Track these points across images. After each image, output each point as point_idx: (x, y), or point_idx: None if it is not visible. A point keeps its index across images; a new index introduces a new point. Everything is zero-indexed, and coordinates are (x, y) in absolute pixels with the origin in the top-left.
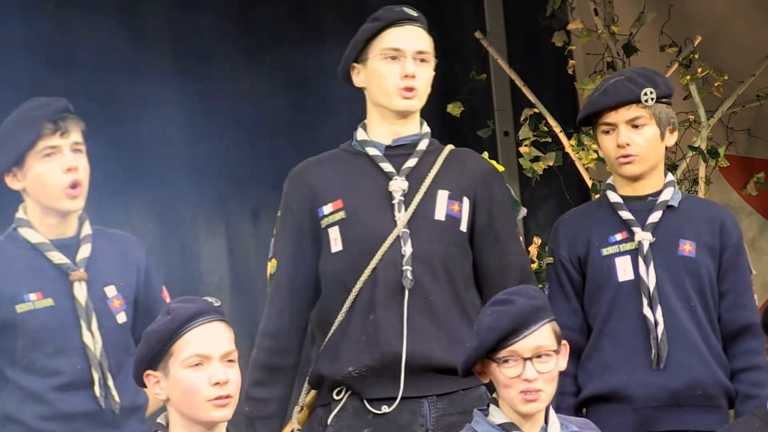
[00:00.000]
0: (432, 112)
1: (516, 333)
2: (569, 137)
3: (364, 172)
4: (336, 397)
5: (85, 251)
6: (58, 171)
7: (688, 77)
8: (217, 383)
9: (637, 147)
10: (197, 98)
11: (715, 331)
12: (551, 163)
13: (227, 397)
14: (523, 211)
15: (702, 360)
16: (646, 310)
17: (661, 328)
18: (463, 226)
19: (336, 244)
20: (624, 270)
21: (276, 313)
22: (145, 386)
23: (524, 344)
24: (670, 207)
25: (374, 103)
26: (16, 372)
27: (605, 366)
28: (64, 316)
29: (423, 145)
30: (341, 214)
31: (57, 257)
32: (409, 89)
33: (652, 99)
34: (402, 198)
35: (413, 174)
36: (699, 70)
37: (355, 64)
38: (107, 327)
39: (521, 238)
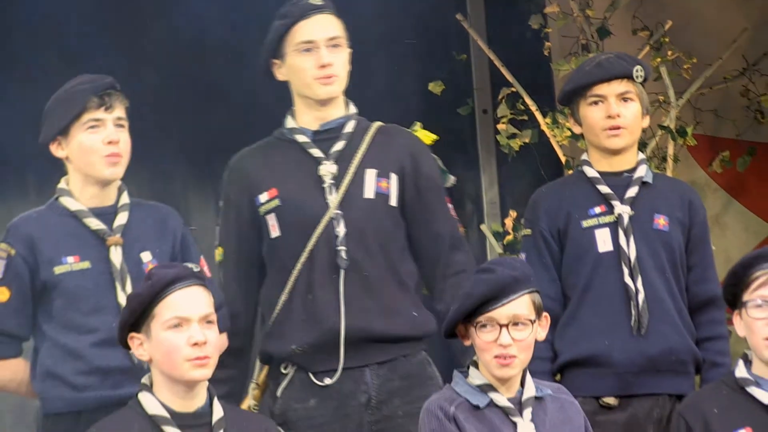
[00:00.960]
0: (414, 90)
1: (494, 300)
2: (544, 115)
3: (295, 158)
4: (283, 372)
5: (122, 218)
6: (99, 142)
7: (659, 60)
8: (195, 344)
9: (625, 120)
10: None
11: (684, 302)
12: (527, 140)
13: (205, 357)
14: (452, 179)
15: (676, 328)
16: (627, 280)
17: (642, 297)
18: (393, 201)
19: (274, 230)
20: (604, 241)
21: (228, 298)
22: (129, 348)
23: (501, 311)
24: (645, 183)
25: (298, 93)
26: (56, 330)
27: (585, 332)
28: (99, 278)
29: (350, 126)
30: (276, 202)
31: (94, 223)
32: (328, 77)
33: (641, 77)
34: (332, 181)
35: (341, 156)
36: (669, 53)
37: (274, 61)
38: None
39: (450, 206)
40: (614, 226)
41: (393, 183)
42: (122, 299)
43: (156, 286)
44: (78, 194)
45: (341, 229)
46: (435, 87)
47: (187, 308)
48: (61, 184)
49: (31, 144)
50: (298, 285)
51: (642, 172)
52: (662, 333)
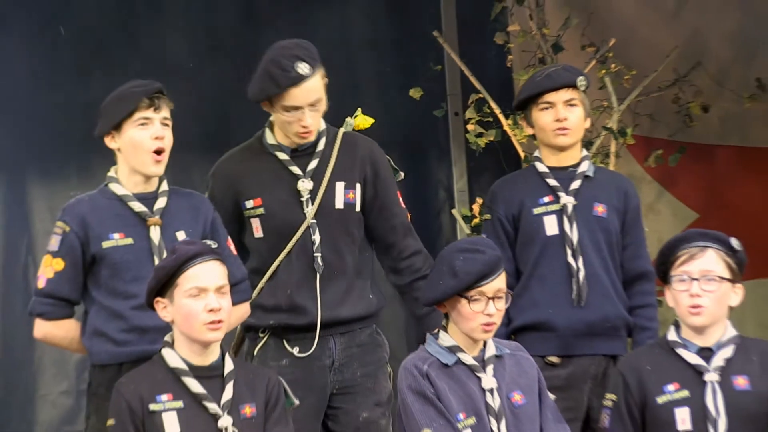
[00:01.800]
0: (397, 95)
1: (485, 277)
2: (507, 118)
3: (276, 172)
4: (261, 335)
5: (161, 203)
6: (148, 138)
7: (604, 71)
8: (211, 310)
9: (570, 122)
10: None
11: (618, 277)
12: (492, 139)
13: (219, 321)
14: (401, 175)
15: (610, 299)
16: (570, 259)
17: (582, 274)
18: (358, 207)
19: (258, 231)
20: (551, 226)
21: None
22: (155, 310)
23: (490, 286)
24: (587, 177)
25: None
26: (102, 295)
27: (534, 302)
28: (140, 253)
29: (321, 144)
30: (261, 210)
31: (137, 206)
32: (307, 132)
33: (584, 85)
34: (309, 195)
35: (315, 173)
36: (612, 65)
37: (265, 102)
38: None
39: (400, 198)
40: (560, 214)
41: (357, 192)
42: None
43: (179, 259)
44: (125, 181)
45: (317, 237)
46: (415, 93)
47: (205, 280)
48: (111, 173)
49: (73, 136)
50: (277, 279)
51: (584, 167)
52: (598, 304)
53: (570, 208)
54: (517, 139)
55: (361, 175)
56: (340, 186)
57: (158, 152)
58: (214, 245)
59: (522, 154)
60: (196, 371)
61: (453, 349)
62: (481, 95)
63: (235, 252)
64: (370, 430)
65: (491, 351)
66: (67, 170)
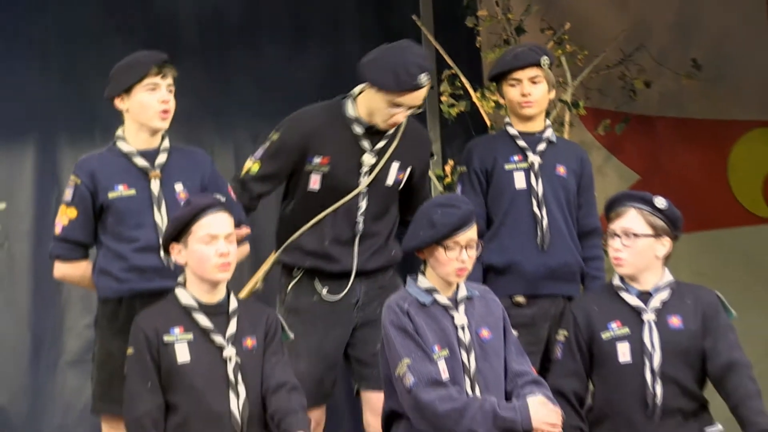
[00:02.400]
0: None
1: (460, 228)
2: (475, 91)
3: (348, 141)
4: (294, 274)
5: (161, 158)
6: (155, 101)
7: (560, 51)
8: (221, 254)
9: (534, 96)
10: None
11: (575, 229)
12: (462, 109)
13: (228, 264)
14: (434, 158)
15: (569, 248)
16: (536, 209)
17: (545, 223)
18: (400, 186)
19: (315, 184)
20: (519, 181)
21: (244, 201)
22: (170, 254)
23: (464, 236)
24: (550, 142)
25: (368, 108)
26: (108, 239)
27: (504, 247)
28: (142, 202)
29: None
30: (326, 168)
31: (140, 162)
32: (394, 124)
33: (546, 63)
34: (368, 168)
35: (380, 151)
36: (567, 47)
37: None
38: (173, 210)
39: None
40: (528, 171)
41: (406, 174)
42: (158, 218)
43: (193, 210)
44: (131, 139)
45: (363, 204)
46: None
47: (216, 228)
48: (118, 132)
49: (95, 104)
50: (320, 228)
51: (548, 133)
52: (559, 250)
53: (536, 166)
54: (484, 110)
55: (413, 161)
56: (395, 166)
57: (164, 112)
58: (222, 199)
59: (488, 122)
60: (205, 308)
61: (430, 291)
62: (453, 71)
63: (236, 199)
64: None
65: (463, 293)
66: (91, 131)
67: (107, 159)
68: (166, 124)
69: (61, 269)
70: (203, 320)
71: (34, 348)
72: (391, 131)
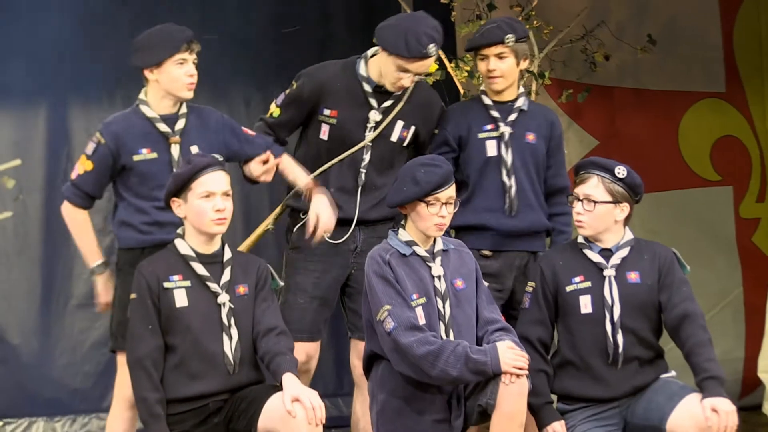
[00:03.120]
0: (363, 46)
1: (441, 186)
2: (450, 61)
3: (357, 97)
4: (301, 217)
5: (180, 123)
6: (183, 75)
7: (528, 26)
8: (218, 210)
9: (500, 71)
10: None
11: (542, 191)
12: (438, 78)
13: (224, 218)
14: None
15: (535, 210)
16: (505, 178)
17: (513, 190)
18: (406, 143)
19: (324, 134)
20: (491, 149)
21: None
22: (170, 208)
23: (444, 194)
24: (522, 111)
25: (380, 69)
26: (131, 196)
27: (475, 208)
28: (163, 164)
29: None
30: (334, 121)
31: (162, 127)
32: (400, 87)
33: (511, 41)
34: (374, 124)
35: (386, 110)
36: (534, 22)
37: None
38: None
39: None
40: (499, 140)
41: (410, 133)
42: None
43: (194, 168)
44: (154, 105)
45: (367, 157)
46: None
47: (213, 185)
48: (141, 95)
49: (118, 69)
50: (327, 176)
51: (520, 102)
52: (525, 214)
53: (507, 136)
54: (457, 79)
55: (419, 121)
56: (399, 124)
57: (191, 83)
58: (220, 158)
59: (462, 91)
60: (202, 258)
61: (410, 243)
62: None
63: (253, 133)
64: None
65: (440, 246)
66: (99, 95)
67: (132, 122)
68: (191, 95)
69: (67, 209)
70: (200, 269)
71: (45, 292)
72: (399, 92)
